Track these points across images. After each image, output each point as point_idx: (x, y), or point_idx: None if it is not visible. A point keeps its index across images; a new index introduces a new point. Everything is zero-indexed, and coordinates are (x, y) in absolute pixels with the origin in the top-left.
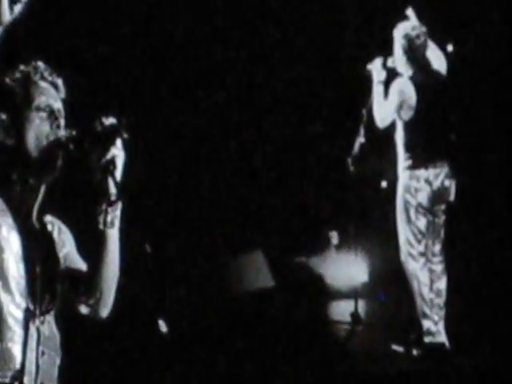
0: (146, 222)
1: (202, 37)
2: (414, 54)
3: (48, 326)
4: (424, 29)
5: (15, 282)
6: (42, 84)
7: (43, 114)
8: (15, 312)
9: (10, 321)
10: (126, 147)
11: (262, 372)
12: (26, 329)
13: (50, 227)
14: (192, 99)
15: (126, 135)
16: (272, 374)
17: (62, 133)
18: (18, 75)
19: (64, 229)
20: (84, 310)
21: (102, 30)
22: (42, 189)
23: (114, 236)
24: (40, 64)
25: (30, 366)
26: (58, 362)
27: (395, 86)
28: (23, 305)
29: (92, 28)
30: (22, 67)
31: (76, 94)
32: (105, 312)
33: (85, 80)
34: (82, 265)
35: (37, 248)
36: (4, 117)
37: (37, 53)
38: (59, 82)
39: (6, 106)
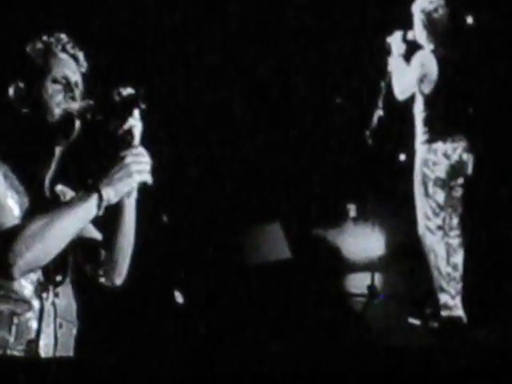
0: (162, 192)
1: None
2: (434, 27)
3: (64, 297)
4: (442, 1)
5: None
6: (62, 56)
7: (59, 86)
8: (29, 287)
9: (26, 295)
10: (144, 118)
11: (276, 344)
12: (42, 303)
13: (61, 197)
14: (209, 68)
15: (143, 105)
16: (287, 345)
17: (75, 105)
18: (39, 45)
19: None
20: (99, 278)
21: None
22: (56, 158)
23: (130, 206)
24: (63, 36)
25: (49, 340)
26: (74, 332)
27: (417, 58)
28: (36, 278)
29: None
30: (44, 38)
31: (94, 65)
32: (119, 281)
33: (103, 50)
34: (96, 234)
35: None
36: (22, 85)
37: (60, 24)
38: (80, 55)
39: (24, 75)
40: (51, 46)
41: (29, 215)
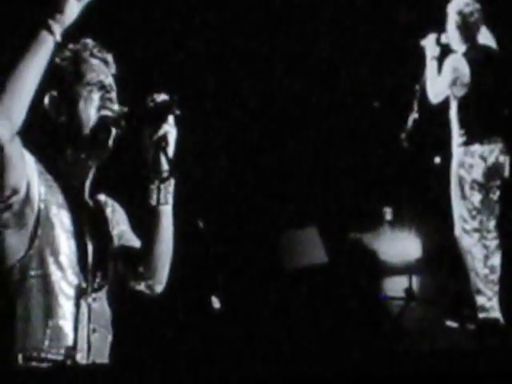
0: (198, 198)
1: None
2: (468, 30)
3: (99, 302)
4: (478, 5)
5: (67, 259)
6: (92, 61)
7: (94, 88)
8: (67, 289)
9: (62, 298)
10: (178, 124)
11: (314, 347)
12: (78, 306)
13: (103, 205)
14: (243, 74)
15: (177, 112)
16: (324, 349)
17: (115, 107)
18: (67, 54)
19: (118, 208)
20: (139, 286)
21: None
22: (94, 165)
23: (167, 213)
24: (89, 41)
25: (82, 344)
26: (109, 339)
27: (448, 62)
28: (75, 282)
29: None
30: (71, 45)
31: (128, 71)
32: (159, 288)
33: (137, 56)
34: (136, 243)
35: (89, 225)
36: (55, 94)
37: (86, 30)
38: (109, 57)
39: (56, 83)
40: (79, 52)
41: (73, 223)
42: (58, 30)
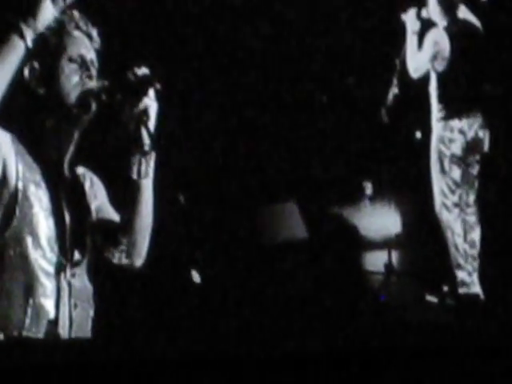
0: (179, 172)
1: None
2: (449, 4)
3: (79, 278)
4: None
5: (46, 237)
6: (76, 34)
7: (74, 65)
8: (46, 267)
9: (42, 276)
10: (159, 98)
11: (291, 321)
12: (58, 282)
13: (81, 179)
14: (226, 49)
15: (158, 86)
16: (303, 324)
17: (93, 84)
18: (52, 24)
19: (96, 181)
20: (118, 260)
21: None
22: (74, 139)
23: (147, 186)
24: (75, 13)
25: (64, 320)
26: (91, 314)
27: (430, 36)
28: (54, 259)
29: None
30: (57, 16)
31: (109, 44)
32: (139, 262)
33: (118, 30)
34: (114, 216)
35: (67, 199)
36: (36, 65)
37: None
38: (94, 32)
39: (38, 54)
40: (64, 24)
41: (51, 201)
42: (29, 35)
